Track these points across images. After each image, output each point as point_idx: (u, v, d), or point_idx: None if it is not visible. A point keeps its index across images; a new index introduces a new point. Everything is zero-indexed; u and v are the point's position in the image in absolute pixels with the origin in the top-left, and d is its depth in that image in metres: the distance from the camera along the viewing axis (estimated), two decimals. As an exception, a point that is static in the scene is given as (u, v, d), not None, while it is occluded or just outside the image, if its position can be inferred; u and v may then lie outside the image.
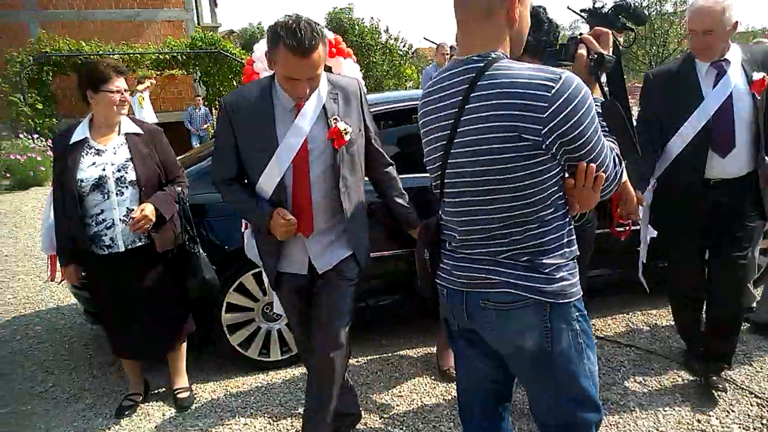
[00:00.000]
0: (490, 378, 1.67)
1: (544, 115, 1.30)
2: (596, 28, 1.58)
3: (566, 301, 1.45)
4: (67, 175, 2.65)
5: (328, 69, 11.60)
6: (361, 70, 13.29)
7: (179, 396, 3.02)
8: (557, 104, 1.30)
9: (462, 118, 1.40)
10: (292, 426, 2.81)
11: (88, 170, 2.65)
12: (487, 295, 1.47)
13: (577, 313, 1.48)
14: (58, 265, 3.16)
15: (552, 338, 1.45)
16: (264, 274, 2.45)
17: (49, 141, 11.42)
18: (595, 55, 1.50)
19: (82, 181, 2.63)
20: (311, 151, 2.11)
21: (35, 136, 11.11)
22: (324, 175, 2.15)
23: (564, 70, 1.33)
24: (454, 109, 1.42)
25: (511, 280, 1.44)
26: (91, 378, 3.39)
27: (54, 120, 12.50)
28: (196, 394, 3.11)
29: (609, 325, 3.70)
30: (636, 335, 3.56)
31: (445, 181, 1.49)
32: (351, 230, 2.26)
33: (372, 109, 3.35)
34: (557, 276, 1.43)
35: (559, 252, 1.45)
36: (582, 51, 1.53)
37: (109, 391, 3.20)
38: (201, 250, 2.86)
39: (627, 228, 2.78)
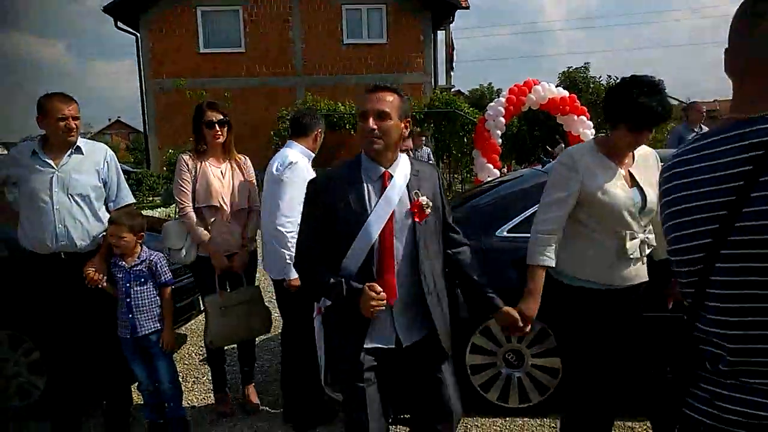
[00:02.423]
0: None
1: None
2: None
3: None
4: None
5: (558, 126, 11.44)
6: (594, 127, 13.00)
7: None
8: None
9: (752, 195, 1.06)
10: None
11: None
12: None
13: None
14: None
15: None
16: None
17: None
18: None
19: None
20: (395, 222, 2.16)
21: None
22: (405, 247, 2.17)
23: None
24: (735, 181, 1.09)
25: None
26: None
27: (309, 169, 14.40)
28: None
29: None
30: None
31: (712, 278, 1.14)
32: (433, 308, 2.21)
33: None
34: None
35: None
36: None
37: (361, 410, 3.56)
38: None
39: None
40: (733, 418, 1.11)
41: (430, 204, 2.20)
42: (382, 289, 2.08)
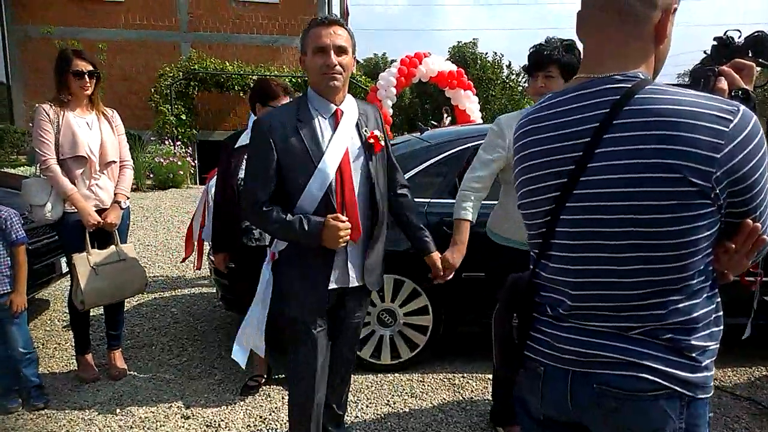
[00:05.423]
0: None
1: (719, 155, 1.04)
2: (737, 60, 1.34)
3: (705, 396, 1.17)
4: (230, 174, 3.05)
5: (447, 99, 11.75)
6: (479, 103, 13.47)
7: (298, 383, 3.28)
8: (736, 142, 1.05)
9: (596, 151, 1.13)
10: (398, 425, 2.98)
11: None
12: (606, 378, 1.15)
13: (710, 414, 1.20)
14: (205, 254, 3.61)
15: None
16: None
17: (189, 148, 12.61)
18: (740, 92, 1.26)
19: (241, 179, 3.00)
20: (351, 158, 2.14)
21: (177, 143, 12.29)
22: (361, 183, 2.16)
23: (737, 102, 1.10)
24: (582, 138, 1.15)
25: (646, 362, 1.12)
26: (220, 358, 3.76)
27: (194, 131, 13.77)
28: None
29: (728, 376, 3.55)
30: (757, 390, 3.39)
31: (558, 229, 1.21)
32: (373, 245, 2.24)
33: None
34: (703, 363, 1.14)
35: (707, 332, 1.15)
36: (722, 85, 1.28)
37: (235, 371, 3.53)
38: None
39: (758, 278, 2.68)
40: (570, 358, 1.20)
41: (382, 136, 2.19)
42: (346, 218, 2.05)
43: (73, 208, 3.14)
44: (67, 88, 3.15)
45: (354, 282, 2.22)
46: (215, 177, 4.18)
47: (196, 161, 12.63)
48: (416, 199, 3.40)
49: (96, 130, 3.23)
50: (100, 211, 3.23)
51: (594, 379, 1.17)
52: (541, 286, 1.29)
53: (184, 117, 13.31)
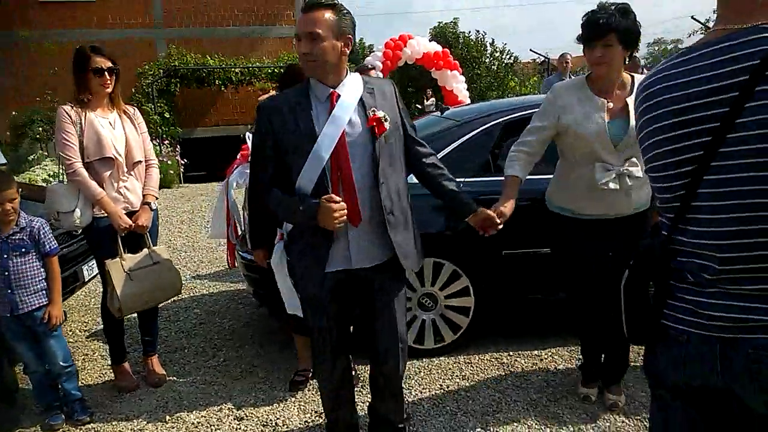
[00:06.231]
0: None
1: None
2: None
3: None
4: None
5: (432, 81, 11.75)
6: (465, 82, 13.40)
7: (346, 375, 3.21)
8: None
9: (748, 105, 1.06)
10: (458, 408, 2.93)
11: None
12: (761, 342, 1.11)
13: None
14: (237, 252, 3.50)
15: None
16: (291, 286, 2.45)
17: (178, 147, 12.36)
18: None
19: None
20: (350, 143, 2.11)
21: (165, 142, 12.05)
22: (363, 166, 2.13)
23: None
24: (729, 92, 1.08)
25: None
26: (258, 356, 3.67)
27: (178, 129, 13.51)
28: (360, 374, 3.29)
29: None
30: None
31: (702, 191, 1.15)
32: (393, 229, 2.19)
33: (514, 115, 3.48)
34: None
35: None
36: None
37: (278, 367, 3.46)
38: None
39: None
40: (718, 324, 1.14)
41: (387, 117, 2.14)
42: (341, 200, 2.04)
43: (103, 212, 3.01)
44: (86, 87, 3.01)
45: (359, 264, 2.20)
46: (234, 172, 4.07)
47: (183, 160, 12.38)
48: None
49: (120, 129, 3.09)
50: (130, 214, 3.11)
51: (748, 344, 1.12)
52: (679, 251, 1.22)
53: (167, 115, 13.06)
